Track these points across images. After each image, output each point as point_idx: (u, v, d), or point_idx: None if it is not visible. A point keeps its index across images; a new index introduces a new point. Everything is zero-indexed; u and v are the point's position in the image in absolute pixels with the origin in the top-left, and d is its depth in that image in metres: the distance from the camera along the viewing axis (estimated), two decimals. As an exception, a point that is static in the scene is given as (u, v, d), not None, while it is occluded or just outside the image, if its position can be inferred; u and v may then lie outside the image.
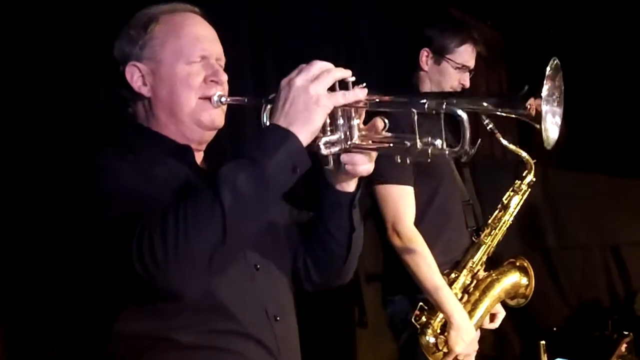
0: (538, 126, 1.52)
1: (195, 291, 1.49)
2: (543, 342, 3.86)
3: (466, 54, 2.85)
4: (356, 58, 3.68)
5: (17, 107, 2.36)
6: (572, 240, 4.74)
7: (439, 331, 2.67)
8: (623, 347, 4.14)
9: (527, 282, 2.90)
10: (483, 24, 4.54)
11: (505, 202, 2.90)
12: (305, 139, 1.47)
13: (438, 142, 1.51)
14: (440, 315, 2.65)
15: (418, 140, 1.53)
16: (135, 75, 1.73)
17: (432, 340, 2.66)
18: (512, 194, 2.90)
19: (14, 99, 2.36)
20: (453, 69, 2.82)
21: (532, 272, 2.90)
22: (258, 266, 1.71)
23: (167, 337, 1.55)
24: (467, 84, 2.88)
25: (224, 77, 1.74)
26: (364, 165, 1.65)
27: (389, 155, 1.62)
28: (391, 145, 1.60)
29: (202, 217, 1.40)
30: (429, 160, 1.53)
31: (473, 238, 2.84)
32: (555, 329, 4.52)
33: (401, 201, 2.66)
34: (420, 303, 2.67)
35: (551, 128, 1.55)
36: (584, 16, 4.40)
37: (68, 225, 1.67)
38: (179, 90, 1.70)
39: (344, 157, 1.64)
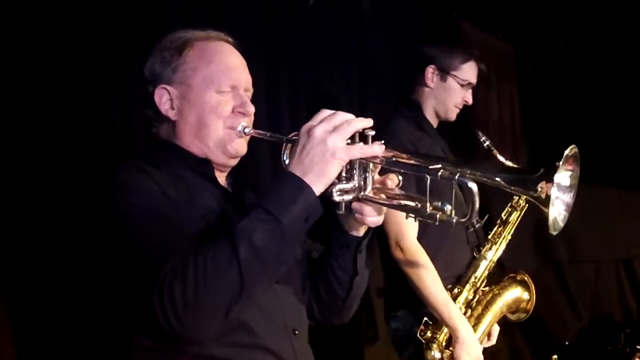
0: (546, 210, 1.53)
1: (213, 336, 1.52)
2: (555, 356, 3.86)
3: (470, 71, 2.88)
4: (368, 78, 3.69)
5: (32, 119, 2.38)
6: (584, 254, 4.72)
7: (444, 345, 2.67)
8: (636, 360, 4.13)
9: (528, 297, 2.92)
10: (494, 37, 4.56)
11: (504, 217, 2.93)
12: (319, 189, 1.50)
13: (447, 209, 1.53)
14: (445, 330, 2.66)
15: (428, 204, 1.54)
16: (163, 98, 1.75)
17: (437, 355, 2.66)
18: (510, 209, 2.94)
19: (29, 111, 2.37)
20: (458, 85, 2.85)
21: (532, 287, 2.91)
22: (277, 280, 1.72)
23: (187, 349, 1.56)
24: (470, 101, 2.90)
25: (251, 109, 1.77)
26: (373, 217, 1.66)
27: (400, 210, 1.64)
28: (401, 203, 1.63)
29: (221, 276, 1.44)
30: (436, 223, 1.55)
31: (474, 254, 2.86)
32: (567, 342, 4.50)
33: (403, 217, 2.67)
34: (425, 318, 2.67)
35: (558, 216, 1.58)
36: (595, 29, 4.41)
37: (89, 239, 1.69)
38: (207, 118, 1.73)
39: (354, 206, 1.65)
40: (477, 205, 1.47)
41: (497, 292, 2.86)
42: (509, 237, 2.91)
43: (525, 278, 2.92)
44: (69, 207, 2.35)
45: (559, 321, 4.57)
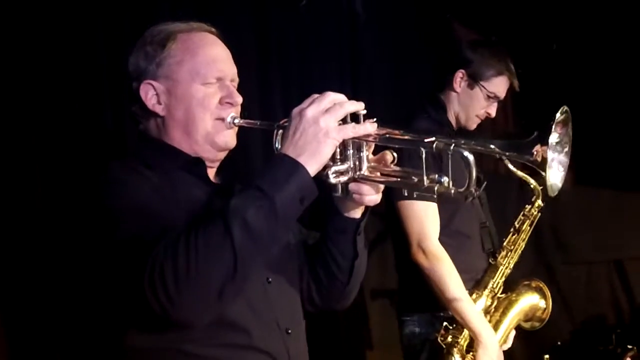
0: (543, 173, 1.55)
1: (206, 320, 1.51)
2: (547, 356, 3.85)
3: (500, 86, 2.84)
4: (361, 78, 3.70)
5: (23, 119, 2.37)
6: (576, 255, 4.73)
7: (464, 350, 2.66)
8: (627, 361, 4.14)
9: (544, 306, 2.92)
10: (487, 39, 4.55)
11: (517, 226, 2.93)
12: (313, 170, 1.49)
13: (444, 180, 1.52)
14: (465, 334, 2.64)
15: (425, 177, 1.54)
16: (149, 94, 1.74)
17: (458, 359, 2.65)
18: (523, 218, 2.94)
19: (20, 112, 2.36)
20: (484, 96, 2.82)
21: (549, 295, 2.92)
22: (270, 279, 1.72)
23: (179, 349, 1.56)
24: (493, 114, 2.87)
25: (239, 99, 1.75)
26: (372, 196, 1.66)
27: (397, 187, 1.64)
28: (398, 179, 1.63)
29: (213, 253, 1.41)
30: (434, 196, 1.55)
31: (490, 260, 2.85)
32: (559, 343, 4.51)
33: (426, 218, 2.64)
34: (445, 323, 2.66)
35: (555, 176, 1.59)
36: (588, 31, 4.41)
37: (79, 238, 1.67)
38: (194, 110, 1.71)
39: (352, 187, 1.65)
40: (474, 174, 1.47)
41: (514, 298, 2.87)
42: (523, 244, 2.91)
43: (541, 285, 2.94)
44: (61, 208, 2.34)
45: (551, 322, 4.57)
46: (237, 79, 1.81)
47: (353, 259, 1.80)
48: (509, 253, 2.87)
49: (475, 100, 2.83)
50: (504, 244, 2.88)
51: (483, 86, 2.80)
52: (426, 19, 4.11)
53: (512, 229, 2.93)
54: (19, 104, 2.35)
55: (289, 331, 1.73)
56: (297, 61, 3.38)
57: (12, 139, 2.33)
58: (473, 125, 2.89)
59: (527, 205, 2.94)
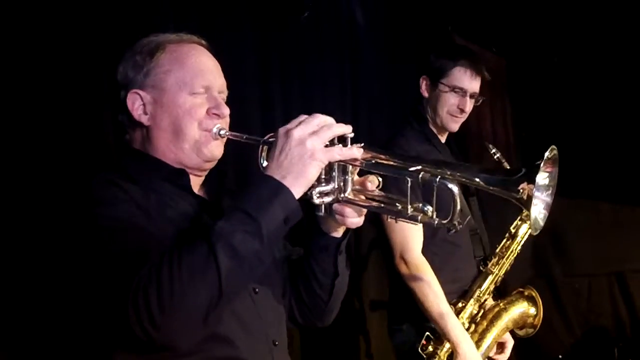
0: (526, 212, 1.54)
1: (190, 343, 1.49)
2: (549, 370, 3.84)
3: (459, 75, 2.78)
4: (361, 92, 3.71)
5: (21, 128, 2.37)
6: (578, 267, 4.72)
7: None
8: (629, 374, 4.13)
9: (535, 312, 2.90)
10: (487, 51, 4.57)
11: (513, 231, 2.88)
12: (298, 192, 1.48)
13: (428, 210, 1.51)
14: (447, 345, 2.64)
15: (409, 205, 1.53)
16: (136, 104, 1.72)
17: None
18: (519, 222, 2.90)
19: (18, 120, 2.36)
20: (447, 92, 2.79)
21: (540, 302, 2.89)
22: (256, 290, 1.71)
23: None
24: (466, 108, 2.80)
25: (226, 111, 1.74)
26: (354, 218, 1.65)
27: (381, 211, 1.64)
28: (382, 205, 1.61)
29: (198, 278, 1.40)
30: (417, 224, 1.55)
31: (480, 267, 2.84)
32: (561, 356, 4.50)
33: (409, 229, 2.64)
34: (427, 333, 2.65)
35: (538, 215, 1.57)
36: (588, 44, 4.43)
37: (68, 257, 1.67)
38: (181, 120, 1.70)
39: (335, 207, 1.64)
40: (458, 206, 1.46)
41: (503, 307, 2.84)
42: (518, 250, 2.88)
43: (533, 293, 2.90)
44: (58, 220, 2.34)
45: (552, 335, 4.57)
46: (225, 91, 1.80)
47: (334, 277, 1.78)
48: (501, 260, 2.84)
49: (443, 99, 2.81)
50: (497, 250, 2.86)
51: (442, 82, 2.80)
52: (425, 31, 4.13)
53: (507, 234, 2.90)
54: (17, 112, 2.35)
55: (276, 343, 1.72)
56: (298, 74, 3.38)
57: (9, 147, 2.33)
58: (451, 124, 2.84)
59: (524, 210, 2.89)
